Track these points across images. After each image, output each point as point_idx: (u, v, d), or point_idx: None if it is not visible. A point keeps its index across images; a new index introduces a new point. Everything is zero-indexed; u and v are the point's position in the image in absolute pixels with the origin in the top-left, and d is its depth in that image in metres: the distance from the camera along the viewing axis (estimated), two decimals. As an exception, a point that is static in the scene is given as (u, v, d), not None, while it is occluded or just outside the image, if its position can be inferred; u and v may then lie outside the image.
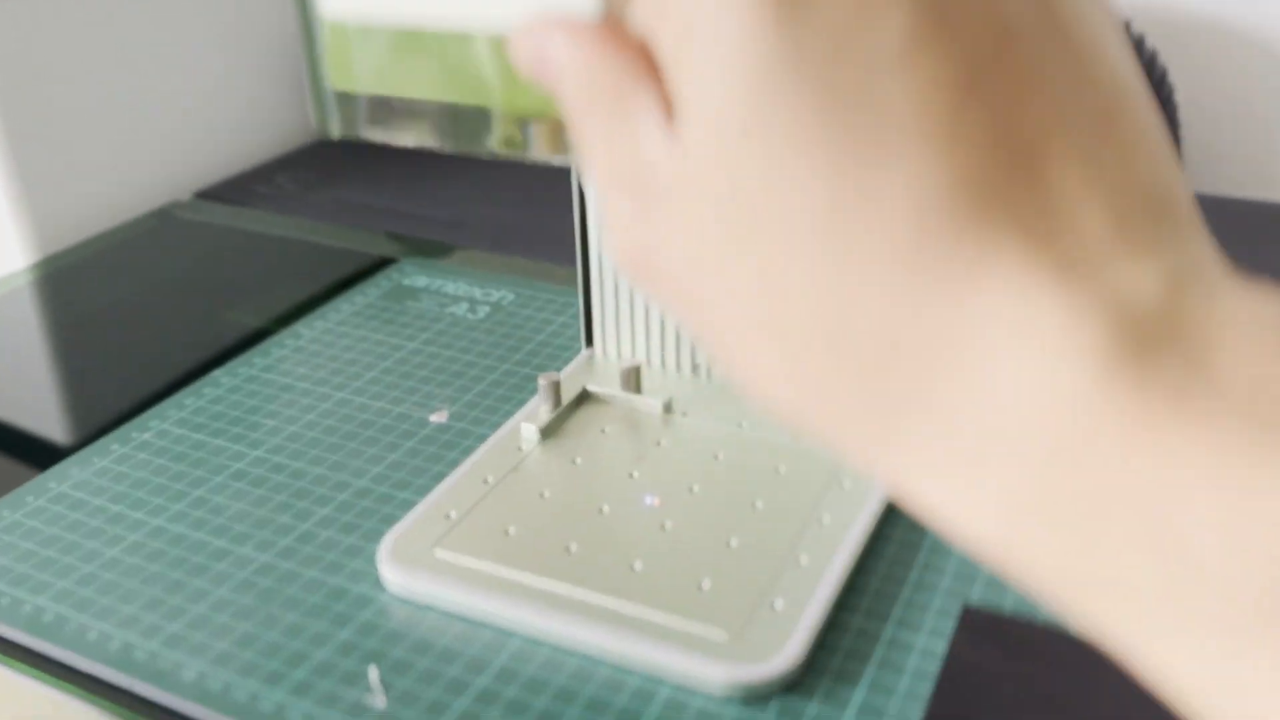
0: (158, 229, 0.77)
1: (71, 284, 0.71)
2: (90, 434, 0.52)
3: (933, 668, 0.37)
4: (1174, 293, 0.16)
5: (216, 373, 0.57)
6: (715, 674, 0.36)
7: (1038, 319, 0.16)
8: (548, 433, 0.48)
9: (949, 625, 0.39)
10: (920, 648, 0.38)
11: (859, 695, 0.36)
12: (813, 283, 0.17)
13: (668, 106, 0.19)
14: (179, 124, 0.83)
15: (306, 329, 0.62)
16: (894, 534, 0.43)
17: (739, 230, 0.18)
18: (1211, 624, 0.14)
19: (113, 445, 0.51)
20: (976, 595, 0.40)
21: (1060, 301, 0.16)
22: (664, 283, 0.20)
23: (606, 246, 0.21)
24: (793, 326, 0.18)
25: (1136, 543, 0.15)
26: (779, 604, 0.38)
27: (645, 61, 0.20)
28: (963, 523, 0.17)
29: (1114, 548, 0.15)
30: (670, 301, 0.20)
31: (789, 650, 0.37)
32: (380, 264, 0.69)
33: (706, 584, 0.39)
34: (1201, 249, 0.17)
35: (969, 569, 0.41)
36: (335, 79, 0.28)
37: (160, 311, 0.66)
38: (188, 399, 0.55)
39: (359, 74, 0.27)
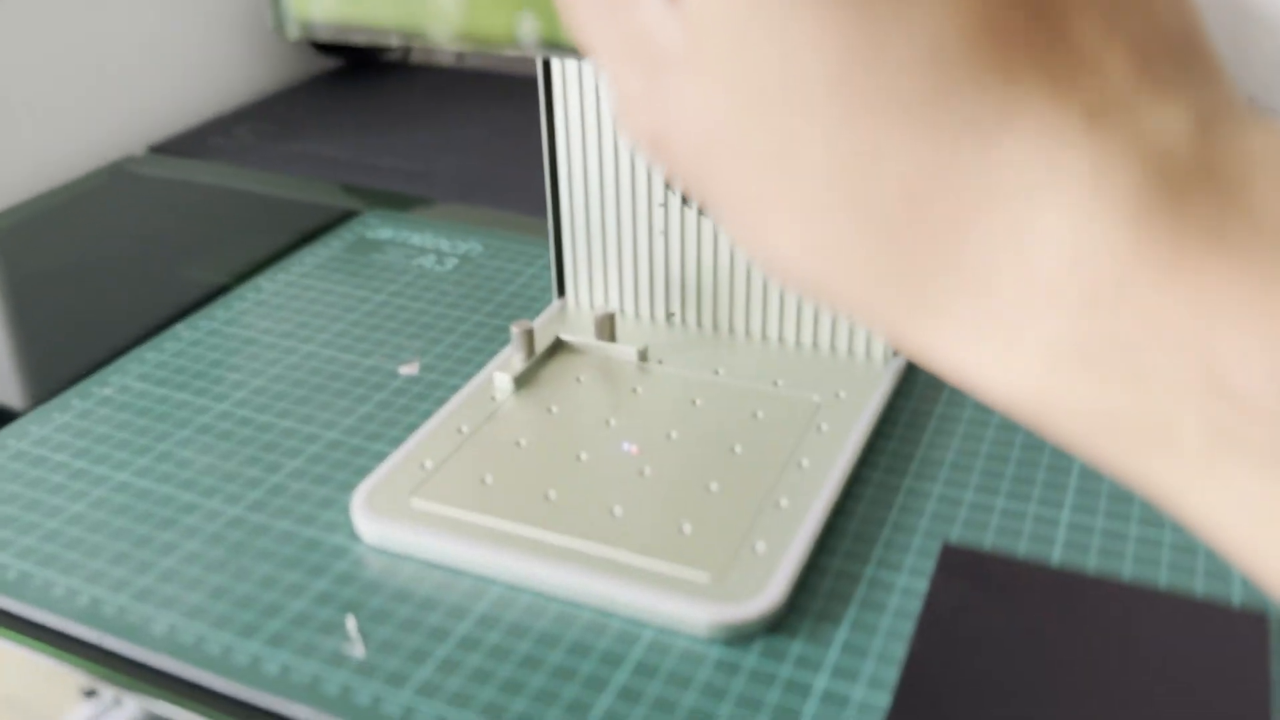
0: (111, 184, 0.75)
1: (22, 241, 0.69)
2: (49, 391, 0.51)
3: (914, 606, 0.37)
4: (1202, 132, 0.16)
5: (177, 326, 0.56)
6: (698, 615, 0.36)
7: (1067, 165, 0.15)
8: (522, 382, 0.47)
9: (929, 565, 0.39)
10: (901, 587, 0.38)
11: (841, 634, 0.36)
12: (831, 145, 0.16)
13: None
14: (132, 75, 0.81)
15: (268, 282, 0.60)
16: (872, 476, 0.43)
17: (751, 97, 0.17)
18: (1257, 456, 0.14)
19: (73, 401, 0.50)
20: (956, 535, 0.40)
21: (1089, 147, 0.15)
22: (680, 159, 0.19)
23: (619, 126, 0.21)
24: (813, 194, 0.17)
25: (1180, 380, 0.15)
26: (760, 546, 0.38)
27: None
28: (1001, 383, 0.16)
29: (1158, 387, 0.15)
30: (687, 177, 0.19)
31: (771, 591, 0.36)
32: (343, 217, 0.68)
33: (687, 528, 0.39)
34: (1226, 88, 0.17)
35: (948, 509, 0.41)
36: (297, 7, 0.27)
37: (115, 269, 0.64)
38: (148, 353, 0.54)
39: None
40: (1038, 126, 0.15)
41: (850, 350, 0.49)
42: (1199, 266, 0.15)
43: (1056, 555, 0.39)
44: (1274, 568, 0.15)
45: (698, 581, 0.37)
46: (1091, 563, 0.39)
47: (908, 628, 0.36)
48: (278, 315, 0.57)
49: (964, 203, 0.16)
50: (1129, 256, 0.15)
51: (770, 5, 0.16)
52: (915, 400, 0.48)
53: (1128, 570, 0.38)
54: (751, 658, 0.35)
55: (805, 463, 0.42)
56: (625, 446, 0.43)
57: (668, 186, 0.49)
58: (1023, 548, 0.39)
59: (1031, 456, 0.44)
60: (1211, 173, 0.15)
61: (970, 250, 0.16)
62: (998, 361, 0.16)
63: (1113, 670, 0.34)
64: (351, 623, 0.37)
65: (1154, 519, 0.41)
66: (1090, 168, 0.15)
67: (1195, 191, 0.15)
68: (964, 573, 0.38)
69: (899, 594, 0.38)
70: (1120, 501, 0.42)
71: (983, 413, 0.47)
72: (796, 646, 0.36)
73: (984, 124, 0.15)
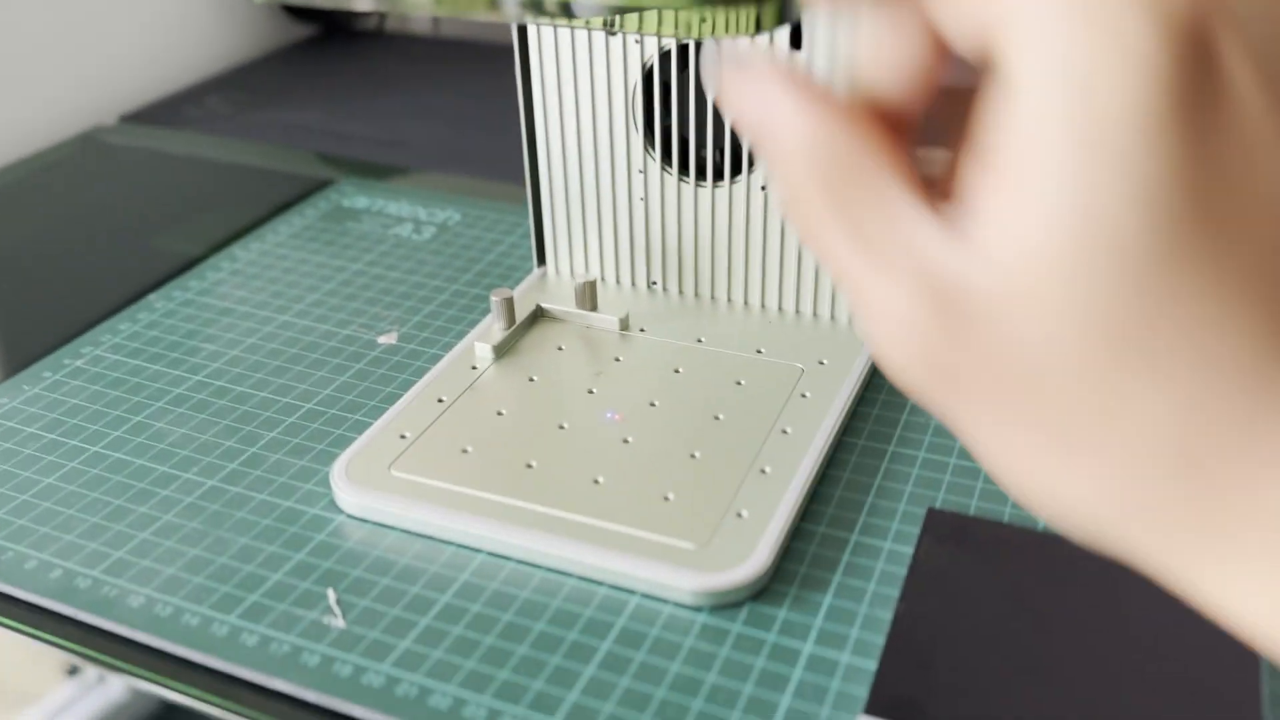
0: (82, 154, 0.74)
1: (-9, 211, 0.67)
2: (19, 362, 0.50)
3: (899, 571, 0.37)
4: None
5: (151, 297, 0.55)
6: (683, 583, 0.35)
7: None
8: (502, 351, 0.47)
9: (913, 530, 0.39)
10: (886, 552, 0.38)
11: (827, 600, 0.36)
12: (1166, 400, 0.18)
13: (924, 194, 0.19)
14: (102, 43, 0.79)
15: (243, 252, 0.59)
16: (856, 443, 0.43)
17: (1093, 355, 0.18)
18: None
19: (44, 372, 0.49)
20: (940, 500, 0.40)
21: None
22: (968, 396, 0.19)
23: (882, 353, 0.20)
24: (1138, 442, 0.18)
25: None
26: (745, 513, 0.38)
27: (894, 141, 0.19)
28: (1273, 632, 0.18)
29: None
30: (971, 417, 0.20)
31: (756, 558, 0.36)
32: (318, 185, 0.67)
33: (671, 496, 0.39)
34: None
35: (931, 475, 0.41)
36: None
37: (87, 239, 0.63)
38: (121, 324, 0.53)
39: None
40: None
41: (833, 317, 0.49)
42: None
43: (1041, 519, 0.39)
44: None
45: (682, 549, 0.36)
46: (1076, 527, 0.39)
47: (893, 593, 0.36)
48: (253, 285, 0.56)
49: (1265, 470, 0.18)
50: None
51: (1106, 261, 0.17)
52: (898, 367, 0.48)
53: (1112, 534, 0.38)
54: (737, 625, 0.35)
55: (789, 429, 0.42)
56: (608, 415, 0.43)
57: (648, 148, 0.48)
58: (1008, 512, 0.39)
59: (1015, 422, 0.44)
60: None
61: (1265, 508, 0.18)
62: (1271, 611, 0.18)
63: (1097, 631, 0.34)
64: (331, 594, 0.37)
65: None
66: None
67: None
68: (949, 536, 0.38)
69: (884, 559, 0.37)
70: (1104, 466, 0.41)
71: (966, 379, 0.47)
72: (783, 613, 0.35)
73: None
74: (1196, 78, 0.17)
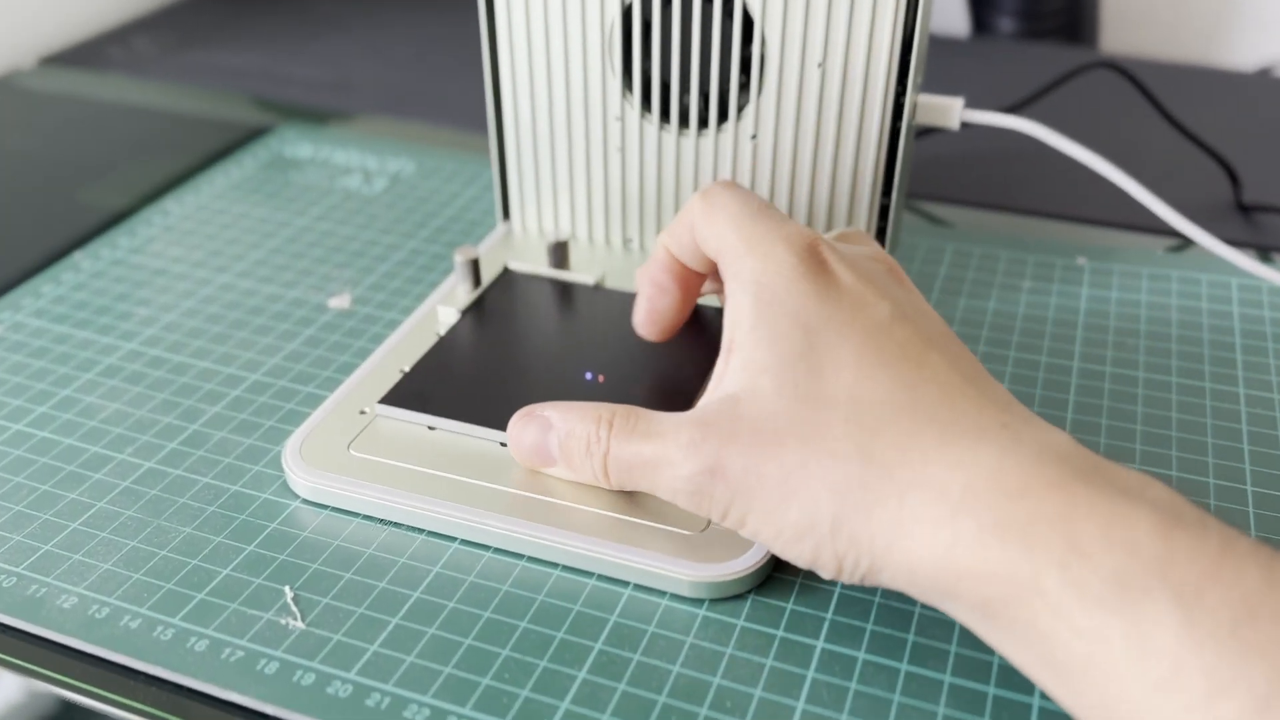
0: (-5, 98, 0.68)
1: (-105, 160, 0.62)
2: (-71, 329, 0.45)
3: (912, 557, 0.34)
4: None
5: (76, 255, 0.50)
6: (682, 572, 0.32)
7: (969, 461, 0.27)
8: (468, 315, 0.43)
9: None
10: (897, 536, 0.35)
11: (837, 589, 0.33)
12: (845, 429, 0.29)
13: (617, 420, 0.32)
14: (12, -23, 0.73)
15: (176, 205, 0.55)
16: (855, 414, 0.40)
17: (793, 410, 0.29)
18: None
19: (-43, 341, 0.44)
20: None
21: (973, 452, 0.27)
22: (731, 479, 0.30)
23: (673, 493, 0.31)
24: (836, 455, 0.28)
25: (1046, 547, 0.25)
26: (744, 495, 0.35)
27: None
28: (936, 552, 0.27)
29: (1035, 553, 0.25)
30: (737, 495, 0.30)
31: (759, 545, 0.33)
32: (256, 132, 0.62)
33: (662, 476, 0.35)
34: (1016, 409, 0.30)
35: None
36: None
37: (3, 193, 0.58)
38: (44, 286, 0.48)
39: None
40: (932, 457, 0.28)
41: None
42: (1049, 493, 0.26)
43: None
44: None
45: (679, 535, 0.33)
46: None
47: (906, 580, 0.33)
48: (188, 242, 0.51)
49: (926, 460, 0.27)
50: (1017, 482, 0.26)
51: (785, 362, 0.30)
52: (893, 330, 0.44)
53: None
54: (741, 619, 0.32)
55: (785, 401, 0.39)
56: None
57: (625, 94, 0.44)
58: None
59: (1024, 390, 0.41)
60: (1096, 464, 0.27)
61: (908, 499, 0.27)
62: (935, 537, 0.26)
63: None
64: (288, 591, 0.33)
65: (1154, 450, 0.38)
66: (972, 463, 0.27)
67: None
68: (513, 287, 0.44)
69: (894, 543, 0.35)
70: (1119, 436, 0.39)
71: (967, 341, 0.44)
72: (789, 605, 0.32)
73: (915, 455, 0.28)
74: (814, 267, 0.31)
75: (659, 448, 0.30)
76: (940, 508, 0.26)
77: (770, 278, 0.31)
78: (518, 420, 0.34)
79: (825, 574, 0.29)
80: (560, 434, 0.33)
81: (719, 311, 0.42)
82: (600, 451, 0.32)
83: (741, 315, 0.31)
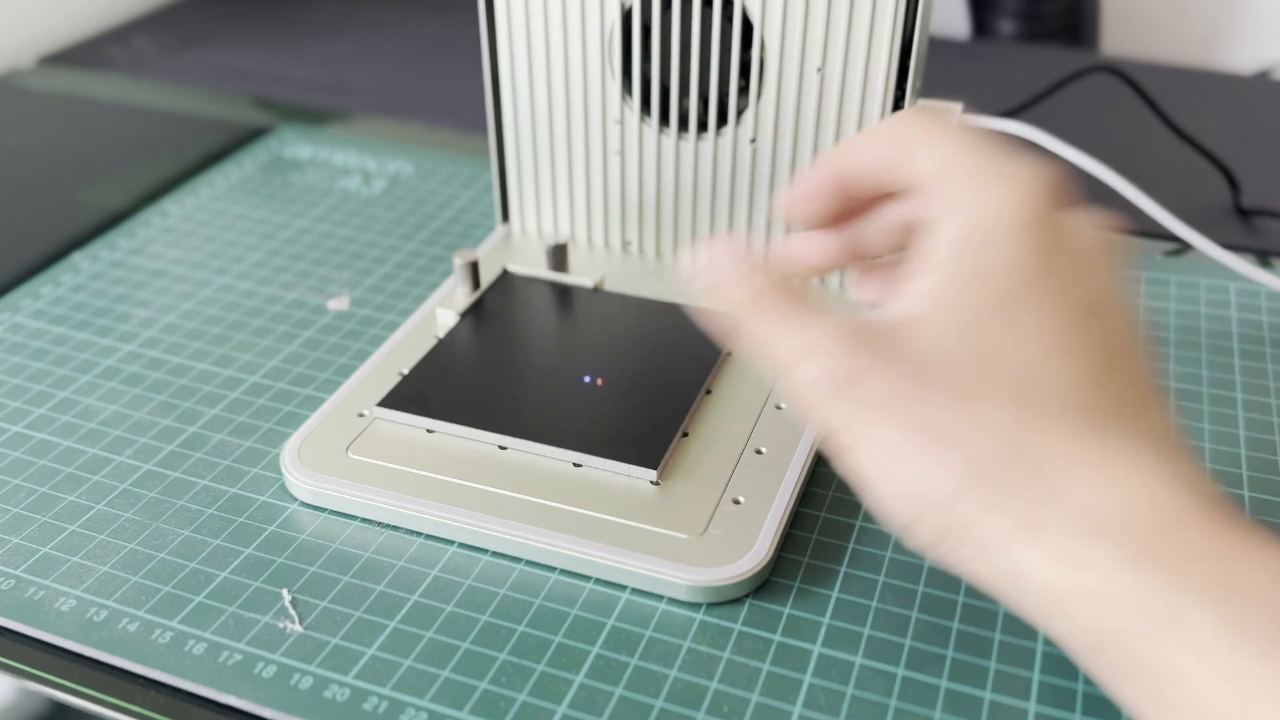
0: (-6, 97, 0.68)
1: (-106, 160, 0.62)
2: (-73, 330, 0.45)
3: (911, 561, 0.34)
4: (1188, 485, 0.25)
5: (75, 256, 0.50)
6: (680, 577, 0.32)
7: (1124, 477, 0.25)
8: (467, 318, 0.43)
9: (922, 515, 0.36)
10: (894, 539, 0.35)
11: (834, 594, 0.33)
12: (1008, 417, 0.25)
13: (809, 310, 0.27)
14: (12, -24, 0.73)
15: (175, 206, 0.55)
16: (853, 418, 0.40)
17: (961, 364, 0.25)
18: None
19: (-44, 342, 0.44)
20: (947, 482, 0.37)
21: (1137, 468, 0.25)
22: (864, 396, 0.26)
23: (798, 378, 0.27)
24: (986, 443, 0.25)
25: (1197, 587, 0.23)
26: (741, 499, 0.35)
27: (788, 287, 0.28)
28: (1058, 593, 0.24)
29: (1179, 587, 0.23)
30: (860, 415, 0.26)
31: (758, 548, 0.33)
32: (255, 133, 0.62)
33: (661, 480, 0.35)
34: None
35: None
36: None
37: (2, 193, 0.58)
38: (43, 287, 0.48)
39: None
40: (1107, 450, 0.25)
41: (822, 280, 0.45)
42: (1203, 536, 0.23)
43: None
44: None
45: (676, 539, 0.33)
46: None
47: (906, 585, 0.33)
48: (187, 243, 0.51)
49: (1072, 469, 0.24)
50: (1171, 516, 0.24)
51: (977, 304, 0.26)
52: (892, 333, 0.45)
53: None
54: (738, 624, 0.32)
55: (783, 405, 0.39)
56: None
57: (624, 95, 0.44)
58: (1019, 494, 0.37)
59: (1020, 394, 0.41)
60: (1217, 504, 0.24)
61: (1062, 499, 0.24)
62: (1058, 575, 0.24)
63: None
64: (286, 595, 0.33)
65: (1153, 460, 0.38)
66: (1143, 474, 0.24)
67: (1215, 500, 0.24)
68: (512, 289, 0.44)
69: (892, 547, 0.35)
70: (1116, 441, 0.39)
71: (964, 346, 0.44)
72: (786, 609, 0.32)
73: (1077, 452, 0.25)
74: (1046, 218, 0.26)
75: (820, 326, 0.27)
76: (1080, 523, 0.24)
77: (993, 214, 0.26)
78: (709, 243, 0.30)
79: (914, 543, 0.26)
80: (739, 268, 0.29)
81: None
82: (761, 289, 0.28)
83: (944, 244, 0.26)
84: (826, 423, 0.26)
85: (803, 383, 0.26)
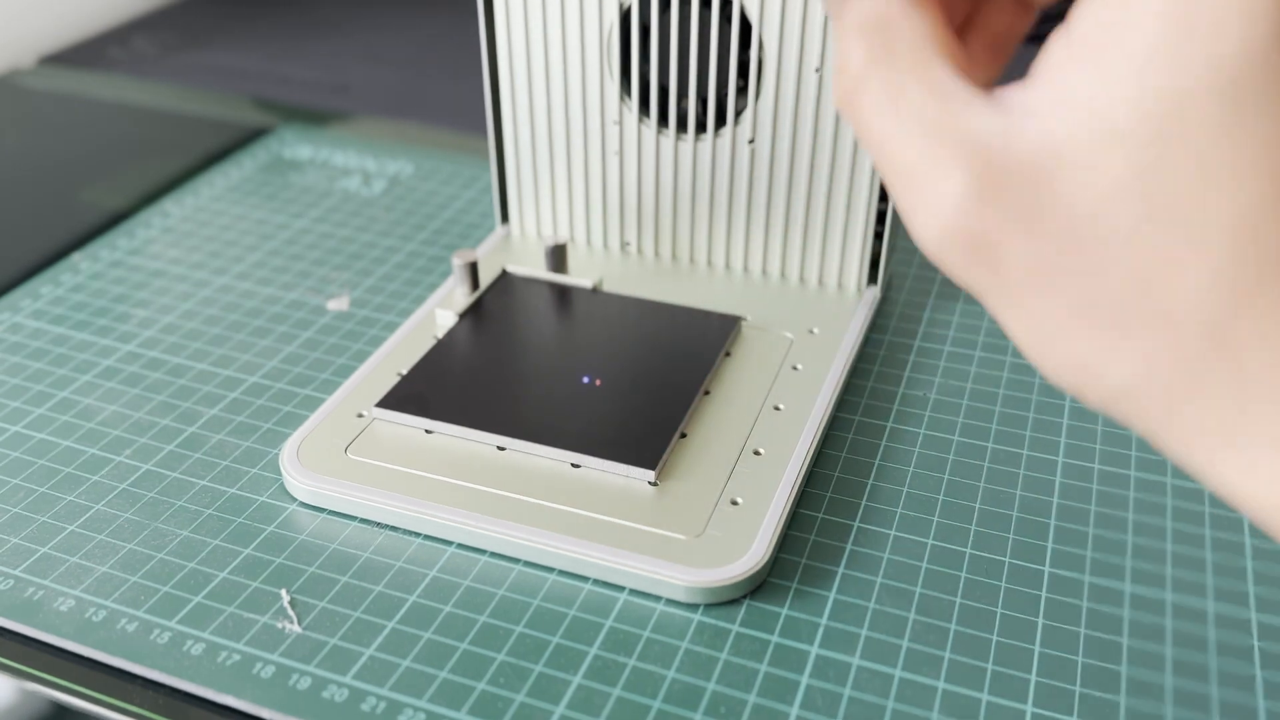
0: (-6, 97, 0.68)
1: (-105, 160, 0.62)
2: (-73, 330, 0.45)
3: (908, 562, 0.34)
4: None
5: (75, 257, 0.50)
6: (677, 577, 0.32)
7: None
8: (466, 318, 0.43)
9: (920, 516, 0.36)
10: (892, 540, 0.35)
11: (831, 595, 0.33)
12: (1206, 280, 0.18)
13: (966, 72, 0.20)
14: (12, -23, 0.73)
15: (175, 207, 0.55)
16: (852, 419, 0.40)
17: (1144, 223, 0.18)
18: None
19: (-45, 342, 0.44)
20: (944, 480, 0.37)
21: None
22: (1005, 267, 0.19)
23: (921, 222, 0.20)
24: (1183, 303, 0.18)
25: None
26: (740, 500, 0.35)
27: (943, 22, 0.20)
28: (1274, 507, 0.18)
29: None
30: (1008, 292, 0.20)
31: (755, 549, 0.33)
32: (255, 133, 0.62)
33: (659, 481, 0.35)
34: None
35: (935, 454, 0.38)
36: None
37: (2, 193, 0.58)
38: (43, 287, 0.48)
39: None
40: None
41: (821, 282, 0.45)
42: None
43: (1054, 497, 0.36)
44: None
45: (674, 540, 0.33)
46: (1091, 505, 0.36)
47: (903, 586, 0.33)
48: (187, 244, 0.51)
49: (1252, 373, 0.18)
50: None
51: (1175, 131, 0.17)
52: (890, 334, 0.45)
53: (1130, 512, 0.36)
54: (736, 625, 0.32)
55: (781, 406, 0.39)
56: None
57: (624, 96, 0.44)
58: (1018, 494, 0.37)
59: (1020, 395, 0.41)
60: None
61: (1252, 408, 0.18)
62: (1257, 476, 0.18)
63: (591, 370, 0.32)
64: (285, 595, 0.33)
65: (1152, 460, 0.38)
66: None
67: None
68: (511, 290, 0.43)
69: (890, 548, 0.35)
70: (1117, 443, 0.39)
71: (963, 347, 0.44)
72: (784, 610, 0.32)
73: None
74: None
75: (950, 126, 0.20)
76: None
77: None
78: None
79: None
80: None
81: (720, 317, 0.42)
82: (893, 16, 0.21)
83: (1116, 9, 0.18)
84: (956, 277, 0.21)
85: (918, 230, 0.20)
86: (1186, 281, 0.18)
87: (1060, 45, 0.19)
